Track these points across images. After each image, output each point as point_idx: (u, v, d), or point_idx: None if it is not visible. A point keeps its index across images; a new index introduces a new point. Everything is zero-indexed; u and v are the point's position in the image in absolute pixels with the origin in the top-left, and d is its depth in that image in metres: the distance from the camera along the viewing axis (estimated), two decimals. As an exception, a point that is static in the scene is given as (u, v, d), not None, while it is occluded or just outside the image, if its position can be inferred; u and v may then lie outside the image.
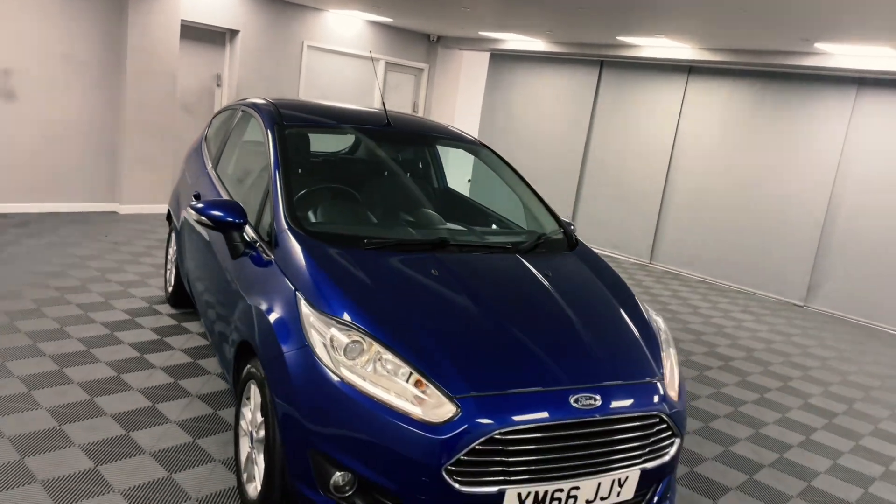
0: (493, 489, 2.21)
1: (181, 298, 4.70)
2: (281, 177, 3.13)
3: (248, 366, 2.75)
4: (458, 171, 5.72)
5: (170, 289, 4.84)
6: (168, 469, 2.96)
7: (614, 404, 2.41)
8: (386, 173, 4.14)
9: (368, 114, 4.04)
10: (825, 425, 4.45)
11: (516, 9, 6.96)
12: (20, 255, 5.58)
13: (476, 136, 10.61)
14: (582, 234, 9.43)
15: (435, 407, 2.23)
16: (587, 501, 2.37)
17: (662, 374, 2.66)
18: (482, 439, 2.18)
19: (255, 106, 3.88)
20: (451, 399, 2.24)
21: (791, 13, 5.23)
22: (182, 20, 7.71)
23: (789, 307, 7.65)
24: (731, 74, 8.19)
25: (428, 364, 2.32)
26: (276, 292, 2.70)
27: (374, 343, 2.37)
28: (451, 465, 2.17)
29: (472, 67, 10.94)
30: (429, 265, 2.86)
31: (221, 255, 3.31)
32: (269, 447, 2.49)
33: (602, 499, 2.40)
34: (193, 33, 8.21)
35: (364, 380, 2.30)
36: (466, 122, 10.88)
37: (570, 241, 3.54)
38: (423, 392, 2.26)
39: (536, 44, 9.43)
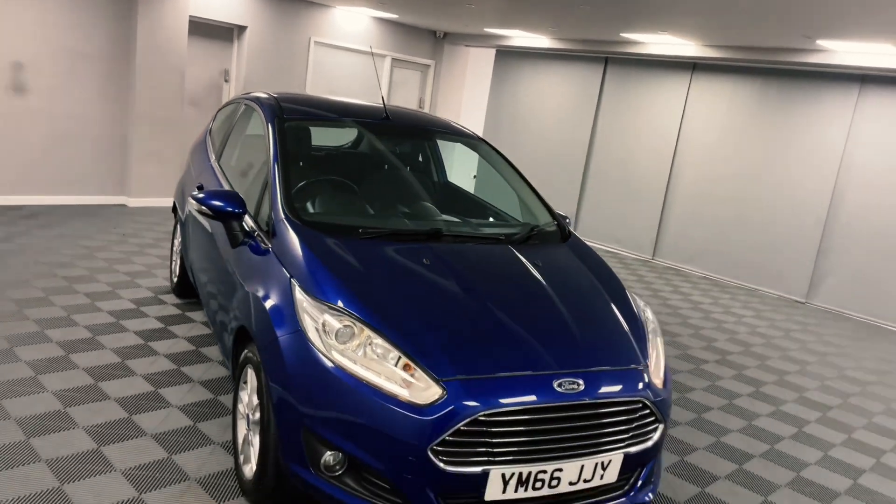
0: (478, 469, 2.29)
1: (186, 288, 4.80)
2: (280, 168, 3.22)
3: (246, 350, 2.84)
4: (464, 167, 5.79)
5: (175, 279, 4.94)
6: (168, 450, 3.05)
7: (597, 389, 2.48)
8: (386, 167, 4.21)
9: (368, 108, 4.11)
10: (819, 418, 4.50)
11: (518, 5, 7.02)
12: (30, 245, 5.70)
13: (481, 132, 10.72)
14: (585, 230, 9.54)
15: (422, 390, 2.31)
16: (570, 483, 2.44)
17: (647, 362, 2.72)
18: (466, 421, 2.25)
19: (257, 100, 3.97)
20: (437, 382, 2.32)
21: (791, 10, 5.27)
22: (191, 16, 7.82)
23: (791, 304, 7.68)
24: (734, 71, 8.21)
25: (416, 348, 2.40)
26: (272, 279, 2.78)
27: (364, 328, 2.45)
28: (437, 445, 2.25)
29: (478, 64, 11.00)
30: (421, 254, 2.94)
31: (222, 245, 3.40)
32: (264, 428, 2.58)
33: (585, 481, 2.47)
34: (202, 29, 8.32)
35: (355, 363, 2.38)
36: (472, 117, 10.95)
37: (563, 233, 3.60)
38: (412, 375, 2.34)
39: (541, 40, 9.48)
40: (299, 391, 2.43)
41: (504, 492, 2.34)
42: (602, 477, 2.50)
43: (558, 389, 2.40)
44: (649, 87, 8.96)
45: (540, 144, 10.08)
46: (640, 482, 2.67)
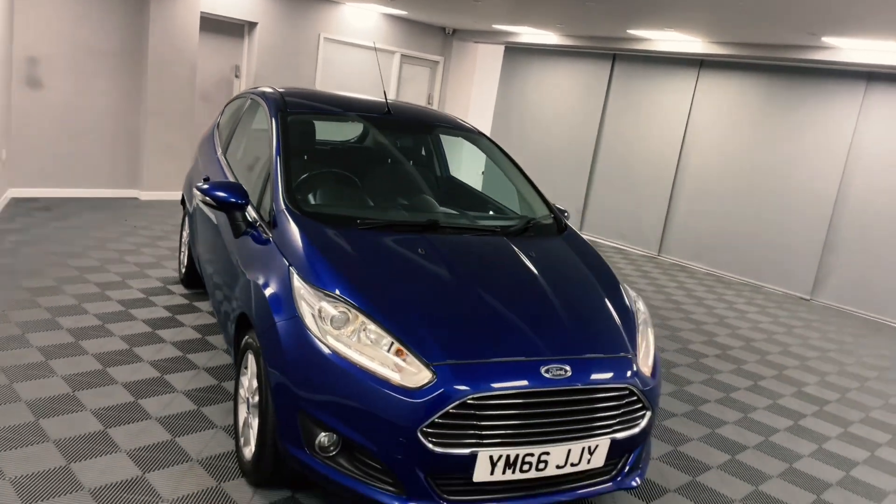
0: (466, 451, 2.37)
1: (193, 279, 4.92)
2: (281, 161, 3.31)
3: (247, 336, 2.94)
4: (471, 164, 5.86)
5: (183, 270, 5.05)
6: (172, 433, 3.16)
7: (585, 376, 2.55)
8: (388, 160, 4.29)
9: (370, 103, 4.20)
10: (815, 412, 4.54)
11: (526, 2, 7.07)
12: (43, 236, 5.84)
13: (490, 128, 10.77)
14: (592, 225, 9.59)
15: (413, 374, 2.39)
16: (558, 466, 2.51)
17: (636, 352, 2.79)
18: (455, 404, 2.33)
19: (262, 94, 4.06)
20: (427, 366, 2.40)
21: (796, 7, 5.29)
22: (202, 12, 7.94)
23: (795, 300, 7.69)
24: (741, 68, 8.22)
25: (408, 334, 2.49)
26: (272, 268, 2.87)
27: (359, 315, 2.53)
28: (427, 427, 2.33)
29: (486, 60, 11.06)
30: (417, 245, 3.02)
31: (226, 236, 3.50)
32: (262, 411, 2.67)
33: (573, 465, 2.54)
34: (213, 25, 8.43)
35: (349, 348, 2.46)
36: (481, 114, 11.01)
37: (559, 226, 3.66)
38: (404, 360, 2.43)
39: (549, 37, 9.52)
40: (296, 375, 2.52)
41: (492, 473, 2.42)
42: (589, 461, 2.57)
43: (546, 375, 2.47)
44: (656, 84, 8.98)
45: (548, 140, 10.13)
46: (627, 468, 2.74)
